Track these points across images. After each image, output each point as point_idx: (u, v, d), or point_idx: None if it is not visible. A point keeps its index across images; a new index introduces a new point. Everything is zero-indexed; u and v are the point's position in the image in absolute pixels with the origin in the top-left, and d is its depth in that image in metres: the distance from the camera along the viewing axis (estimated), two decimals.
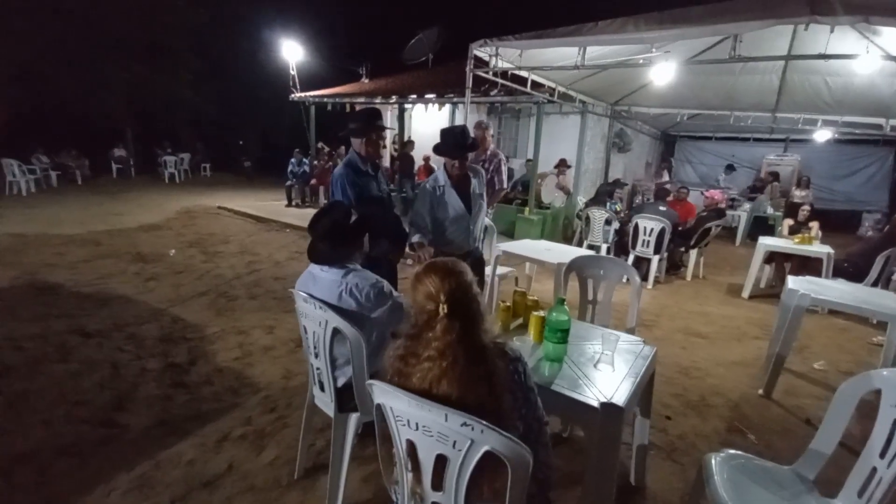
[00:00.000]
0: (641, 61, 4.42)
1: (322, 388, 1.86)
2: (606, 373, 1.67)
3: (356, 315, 1.70)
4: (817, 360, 3.74)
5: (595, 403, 1.44)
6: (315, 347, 1.78)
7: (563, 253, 3.76)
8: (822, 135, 9.25)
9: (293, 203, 10.06)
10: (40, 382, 2.84)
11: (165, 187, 13.06)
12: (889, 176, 10.98)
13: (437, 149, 2.76)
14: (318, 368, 1.82)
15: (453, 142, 2.73)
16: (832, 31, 3.37)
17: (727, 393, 3.08)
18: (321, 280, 1.79)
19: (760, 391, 3.12)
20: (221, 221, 8.57)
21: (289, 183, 10.16)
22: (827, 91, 6.80)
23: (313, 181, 10.20)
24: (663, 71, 4.49)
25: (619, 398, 1.47)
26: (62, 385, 2.82)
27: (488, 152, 4.41)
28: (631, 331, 2.57)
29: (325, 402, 1.88)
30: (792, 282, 3.23)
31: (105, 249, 6.09)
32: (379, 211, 2.64)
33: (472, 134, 3.85)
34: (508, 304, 2.00)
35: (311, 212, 9.38)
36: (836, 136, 9.45)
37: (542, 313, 1.85)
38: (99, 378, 2.90)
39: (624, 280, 2.76)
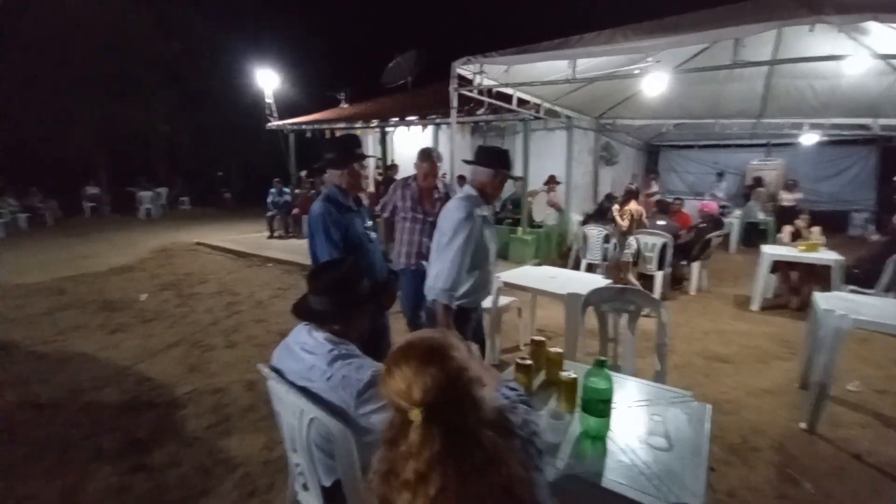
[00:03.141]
0: (637, 71, 4.21)
1: (306, 487, 1.48)
2: (663, 451, 1.34)
3: (344, 413, 1.32)
4: (847, 378, 3.46)
5: None
6: (292, 440, 1.41)
7: (570, 280, 3.45)
8: (808, 138, 9.23)
9: (275, 234, 9.68)
10: None
11: (141, 224, 12.54)
12: (874, 174, 11.02)
13: (491, 164, 2.13)
14: (297, 464, 1.45)
15: (499, 154, 2.18)
16: (837, 31, 3.20)
17: (768, 430, 2.76)
18: (302, 361, 1.40)
19: (803, 425, 2.80)
20: (199, 259, 8.12)
21: (270, 214, 9.78)
22: (812, 94, 6.76)
23: (295, 211, 9.83)
24: (656, 80, 4.30)
25: (695, 496, 1.13)
26: (9, 475, 2.38)
27: (440, 186, 3.26)
28: (661, 376, 2.25)
29: None
30: (823, 301, 2.95)
31: (69, 298, 5.61)
32: (368, 250, 2.31)
33: (417, 166, 3.13)
34: (528, 360, 1.66)
35: (294, 243, 9.06)
36: (825, 138, 9.44)
37: (571, 375, 1.52)
38: (48, 464, 2.45)
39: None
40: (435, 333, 0.93)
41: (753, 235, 8.94)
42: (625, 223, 5.29)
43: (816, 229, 5.70)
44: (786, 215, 8.04)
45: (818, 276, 5.22)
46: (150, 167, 16.39)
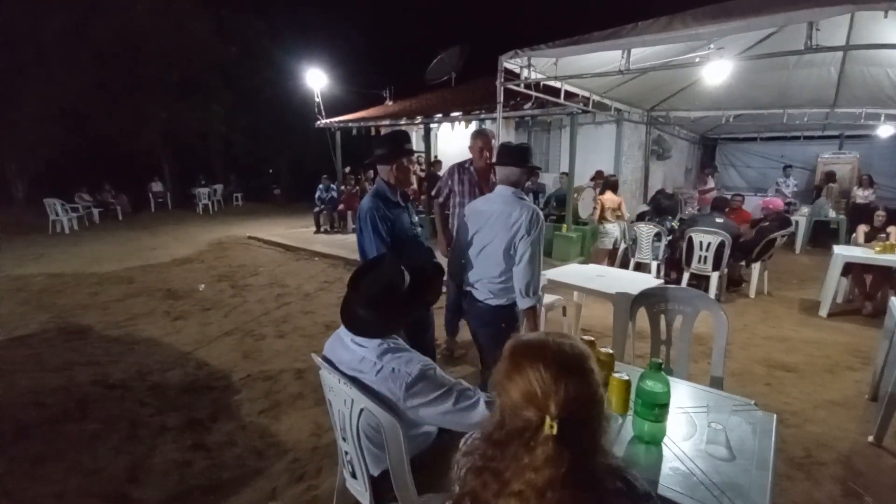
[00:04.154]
0: (697, 60, 3.98)
1: (354, 475, 1.52)
2: (724, 461, 1.26)
3: (393, 405, 1.34)
4: None
5: None
6: (342, 429, 1.45)
7: (618, 279, 3.33)
8: (885, 130, 8.44)
9: (321, 229, 9.99)
10: (58, 446, 2.63)
11: (199, 219, 13.29)
12: None
13: (520, 162, 2.19)
14: (347, 452, 1.49)
15: (526, 151, 2.27)
16: None
17: (834, 444, 2.56)
18: (352, 352, 1.43)
19: (871, 438, 2.59)
20: (251, 252, 8.51)
21: (317, 209, 10.10)
22: (889, 83, 6.16)
23: (341, 206, 10.11)
24: (717, 69, 4.05)
25: None
26: (79, 449, 2.59)
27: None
28: (718, 382, 2.13)
29: (359, 492, 1.54)
30: None
31: (137, 287, 6.04)
32: (414, 245, 2.33)
33: (471, 147, 3.15)
34: None
35: (339, 238, 9.33)
36: None
37: (624, 376, 1.47)
38: (116, 440, 2.66)
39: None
40: (571, 339, 0.83)
41: (822, 235, 8.30)
42: (595, 214, 5.56)
43: (894, 229, 5.22)
44: (860, 213, 7.39)
45: (894, 280, 4.78)
46: (207, 165, 17.35)
